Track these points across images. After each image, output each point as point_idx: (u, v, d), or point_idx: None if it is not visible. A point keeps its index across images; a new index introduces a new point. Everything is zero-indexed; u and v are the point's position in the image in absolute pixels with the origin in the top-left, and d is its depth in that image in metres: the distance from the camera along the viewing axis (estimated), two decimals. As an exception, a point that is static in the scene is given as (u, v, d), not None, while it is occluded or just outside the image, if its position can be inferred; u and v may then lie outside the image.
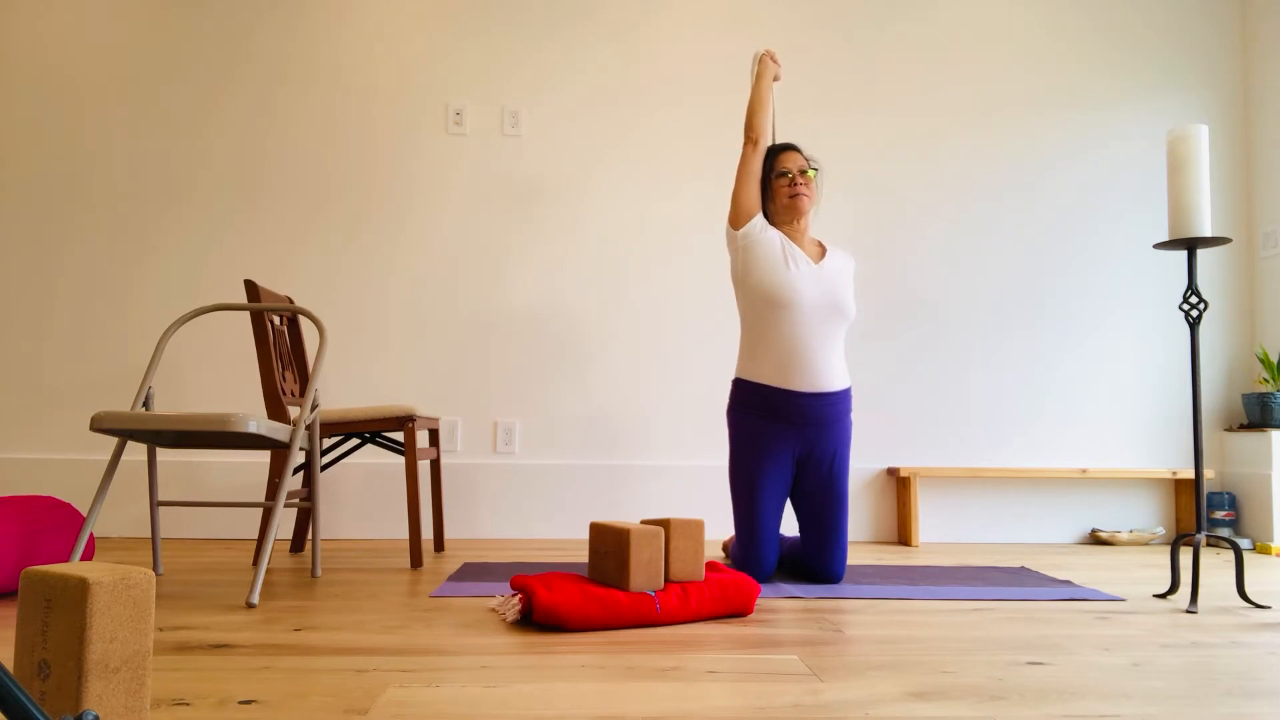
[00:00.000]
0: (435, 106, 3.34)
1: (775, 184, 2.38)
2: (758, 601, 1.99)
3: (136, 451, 3.17)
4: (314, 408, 2.22)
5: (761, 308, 2.31)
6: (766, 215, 2.47)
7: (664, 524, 1.83)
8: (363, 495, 3.18)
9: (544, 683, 1.28)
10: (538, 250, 3.32)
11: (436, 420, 2.85)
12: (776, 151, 2.41)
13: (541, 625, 1.67)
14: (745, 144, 2.39)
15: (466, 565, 2.45)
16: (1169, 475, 3.28)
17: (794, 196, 2.35)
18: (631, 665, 1.39)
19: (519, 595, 1.73)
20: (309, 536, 2.72)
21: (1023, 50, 3.53)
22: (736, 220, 2.36)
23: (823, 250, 2.40)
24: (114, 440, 3.16)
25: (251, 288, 2.48)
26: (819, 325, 2.27)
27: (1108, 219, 3.51)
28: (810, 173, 2.37)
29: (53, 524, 2.04)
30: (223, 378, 3.20)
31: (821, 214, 3.38)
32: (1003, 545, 3.27)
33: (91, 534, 2.11)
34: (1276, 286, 3.41)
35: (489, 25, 3.38)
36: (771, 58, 2.47)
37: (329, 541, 3.05)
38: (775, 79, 2.48)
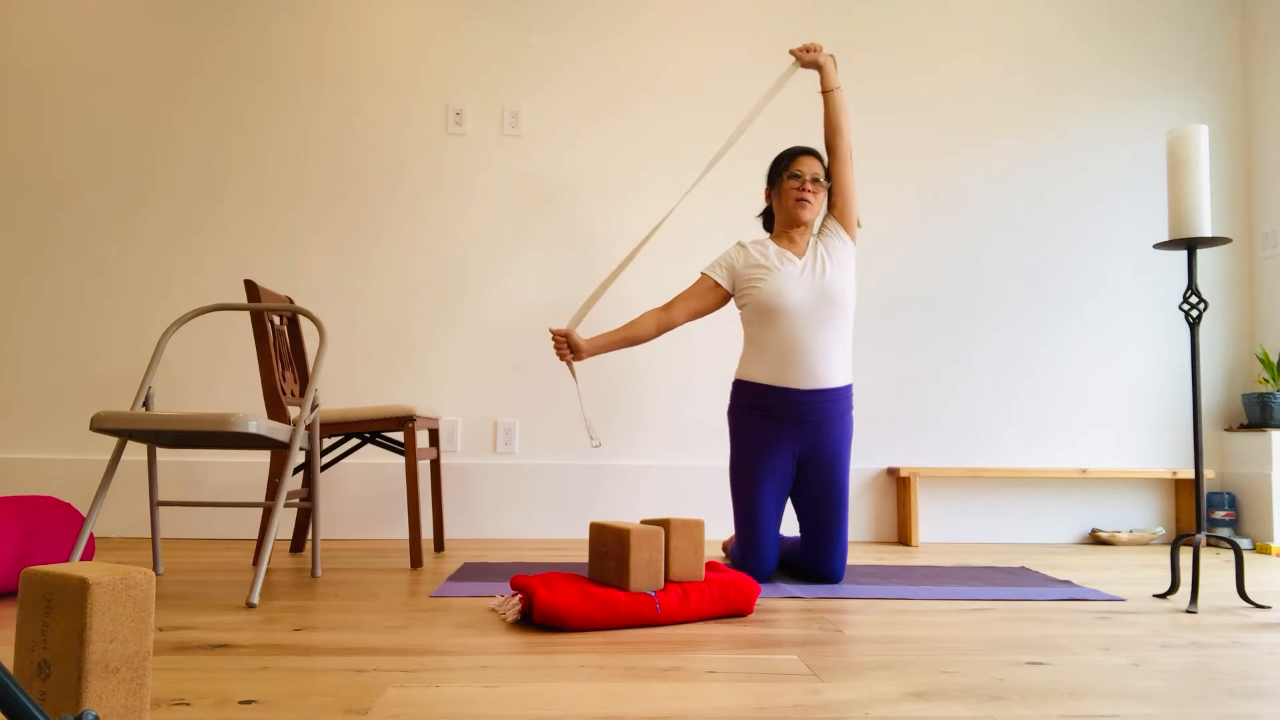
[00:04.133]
0: (435, 106, 3.34)
1: (785, 183, 2.36)
2: (758, 601, 1.99)
3: (136, 451, 3.17)
4: (314, 408, 2.22)
5: (756, 314, 2.32)
6: (771, 213, 2.47)
7: (664, 524, 1.83)
8: (363, 495, 3.18)
9: (544, 683, 1.28)
10: (538, 250, 3.32)
11: (436, 420, 2.85)
12: (796, 153, 2.38)
13: (541, 625, 1.67)
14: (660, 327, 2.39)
15: (466, 565, 2.45)
16: (1169, 475, 3.28)
17: (799, 202, 2.33)
18: (631, 665, 1.39)
19: (519, 595, 1.73)
20: (309, 536, 2.72)
21: (1023, 49, 3.53)
22: (725, 300, 2.42)
23: (809, 241, 2.38)
24: (114, 440, 3.16)
25: (251, 288, 2.48)
26: (814, 321, 2.27)
27: (1108, 219, 3.51)
28: (822, 182, 2.37)
29: (53, 524, 2.04)
30: (223, 378, 3.20)
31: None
32: (1003, 545, 3.27)
33: (91, 534, 2.11)
34: (1276, 286, 3.41)
35: (489, 24, 3.38)
36: (562, 349, 2.30)
37: (329, 541, 3.05)
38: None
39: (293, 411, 3.13)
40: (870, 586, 2.20)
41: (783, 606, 1.94)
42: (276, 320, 2.61)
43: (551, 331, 2.32)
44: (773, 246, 2.36)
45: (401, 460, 3.18)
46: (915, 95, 3.48)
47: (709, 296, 2.40)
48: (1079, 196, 3.51)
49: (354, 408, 2.58)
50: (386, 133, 3.32)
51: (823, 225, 2.41)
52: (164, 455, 3.15)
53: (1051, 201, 3.49)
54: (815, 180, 2.34)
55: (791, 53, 2.44)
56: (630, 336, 2.36)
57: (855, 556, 2.84)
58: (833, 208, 2.41)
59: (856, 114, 3.45)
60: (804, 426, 2.29)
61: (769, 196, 2.46)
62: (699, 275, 2.40)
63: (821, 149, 3.13)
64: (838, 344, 2.30)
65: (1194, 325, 2.07)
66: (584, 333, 3.07)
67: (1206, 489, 3.44)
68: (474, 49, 3.37)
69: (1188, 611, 1.93)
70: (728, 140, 2.45)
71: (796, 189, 2.34)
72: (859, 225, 2.42)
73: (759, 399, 2.31)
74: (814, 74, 3.35)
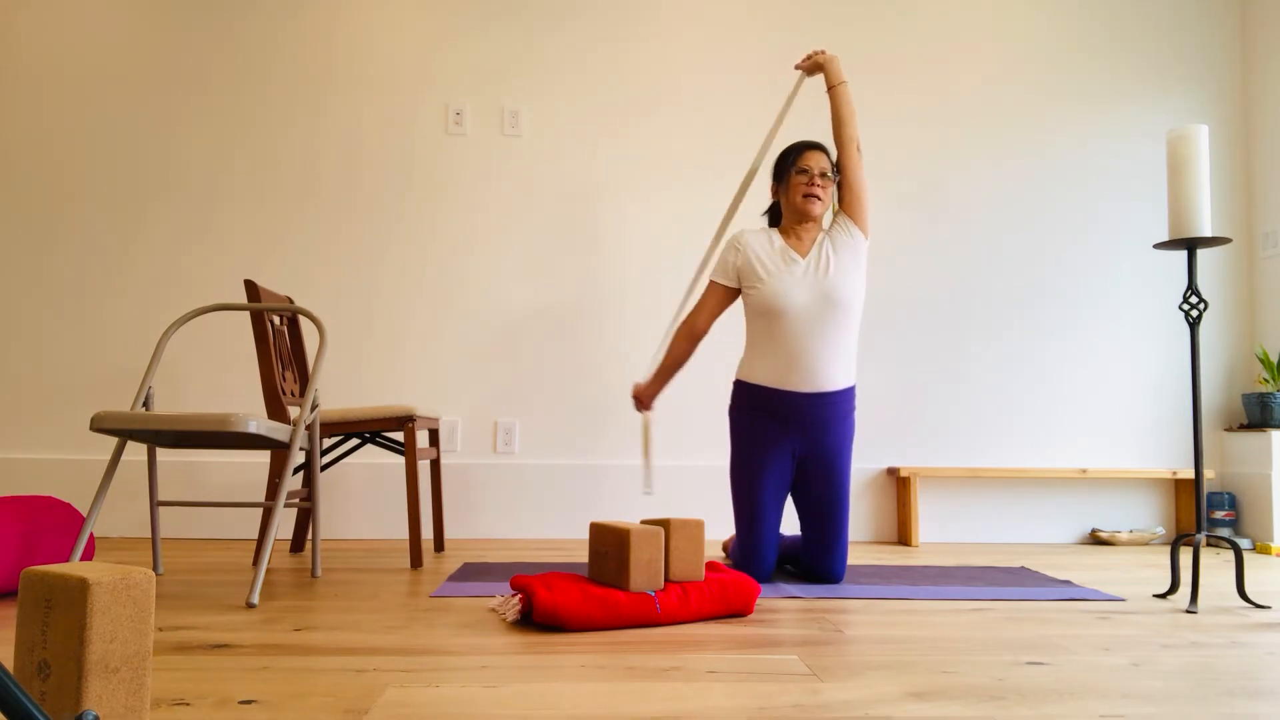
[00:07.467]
0: (434, 106, 3.34)
1: (793, 179, 2.34)
2: (758, 601, 1.99)
3: (136, 451, 3.17)
4: (314, 408, 2.22)
5: (757, 313, 2.31)
6: (778, 209, 2.46)
7: (664, 524, 1.83)
8: (363, 495, 3.18)
9: (544, 683, 1.28)
10: (538, 250, 3.32)
11: (436, 420, 2.85)
12: (803, 148, 2.36)
13: (541, 625, 1.67)
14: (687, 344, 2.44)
15: (466, 565, 2.45)
16: (1169, 475, 3.28)
17: (807, 197, 2.31)
18: (631, 665, 1.39)
19: (519, 595, 1.73)
20: (309, 536, 2.72)
21: (1022, 51, 3.53)
22: (731, 297, 2.42)
23: (816, 238, 2.35)
24: (114, 440, 3.16)
25: (251, 288, 2.48)
26: (817, 324, 2.26)
27: (1108, 219, 3.51)
28: (830, 176, 2.35)
29: (53, 524, 2.04)
30: (223, 378, 3.20)
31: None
32: (1003, 545, 3.27)
33: (91, 534, 2.11)
34: (1276, 286, 3.41)
35: (489, 25, 3.38)
36: (640, 407, 2.51)
37: (329, 541, 3.05)
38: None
39: (293, 411, 3.13)
40: (870, 586, 2.20)
41: (783, 606, 1.94)
42: (276, 320, 2.61)
43: (633, 398, 2.51)
44: (778, 240, 2.34)
45: (401, 460, 3.18)
46: (916, 100, 3.48)
47: (725, 298, 2.40)
48: (1079, 197, 3.51)
49: (354, 408, 2.58)
50: (387, 133, 3.32)
51: (833, 221, 2.40)
52: (164, 455, 3.15)
53: (1051, 202, 3.49)
54: (823, 175, 2.32)
55: (796, 67, 2.52)
56: (674, 362, 2.44)
57: (855, 556, 2.84)
58: (843, 201, 2.40)
59: (859, 120, 3.45)
60: (805, 428, 2.29)
61: (775, 192, 2.45)
62: (709, 284, 2.41)
63: (829, 143, 3.13)
64: (841, 346, 2.28)
65: (1194, 325, 2.07)
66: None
67: (1206, 489, 3.44)
68: (474, 50, 3.37)
69: (1188, 611, 1.93)
70: (755, 158, 2.53)
71: (805, 184, 2.32)
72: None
73: (760, 400, 2.31)
74: (822, 77, 3.35)
